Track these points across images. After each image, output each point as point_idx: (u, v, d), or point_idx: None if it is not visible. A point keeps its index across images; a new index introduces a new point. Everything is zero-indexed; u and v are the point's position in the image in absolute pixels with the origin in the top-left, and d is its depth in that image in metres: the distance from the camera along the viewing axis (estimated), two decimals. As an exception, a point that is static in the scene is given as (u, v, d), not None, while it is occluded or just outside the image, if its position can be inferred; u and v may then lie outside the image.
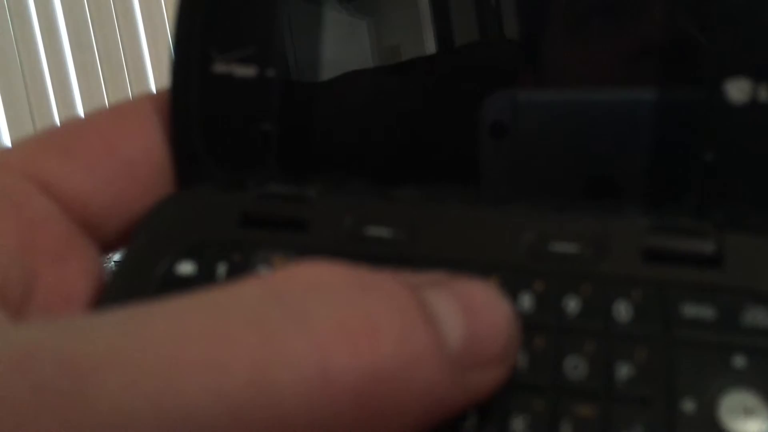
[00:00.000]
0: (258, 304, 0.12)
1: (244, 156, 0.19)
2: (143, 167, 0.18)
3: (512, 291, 0.16)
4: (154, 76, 1.96)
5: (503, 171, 0.20)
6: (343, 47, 0.20)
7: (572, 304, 0.16)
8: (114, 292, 0.17)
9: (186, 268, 0.17)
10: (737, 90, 0.17)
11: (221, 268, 0.17)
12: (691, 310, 0.15)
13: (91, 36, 2.03)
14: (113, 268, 0.17)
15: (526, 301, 0.16)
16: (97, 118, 0.19)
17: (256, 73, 0.19)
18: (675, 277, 0.16)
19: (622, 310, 0.15)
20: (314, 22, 0.20)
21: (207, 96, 0.19)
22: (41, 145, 0.18)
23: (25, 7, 1.96)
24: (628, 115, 0.18)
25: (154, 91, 0.20)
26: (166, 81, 0.20)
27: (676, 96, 0.18)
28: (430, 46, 0.21)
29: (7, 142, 1.99)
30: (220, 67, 0.19)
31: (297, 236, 0.17)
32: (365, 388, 0.12)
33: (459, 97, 0.20)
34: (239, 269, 0.17)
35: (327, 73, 0.20)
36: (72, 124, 0.18)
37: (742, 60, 0.17)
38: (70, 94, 2.05)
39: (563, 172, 0.19)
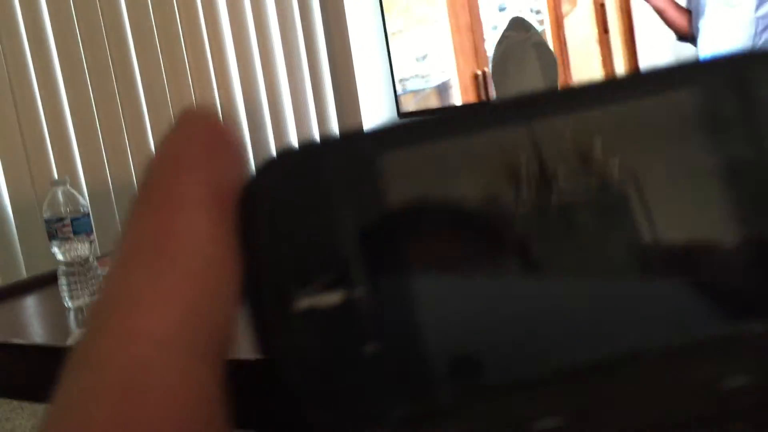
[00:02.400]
0: None
1: (353, 390, 0.17)
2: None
3: None
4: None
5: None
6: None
7: None
8: None
9: None
10: None
11: None
12: None
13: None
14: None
15: None
16: None
17: (343, 297, 0.17)
18: None
19: None
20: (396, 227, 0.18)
21: (294, 338, 0.17)
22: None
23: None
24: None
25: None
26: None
27: None
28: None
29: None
30: (302, 303, 0.17)
31: None
32: None
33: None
34: None
35: (424, 278, 0.17)
36: None
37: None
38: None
39: None
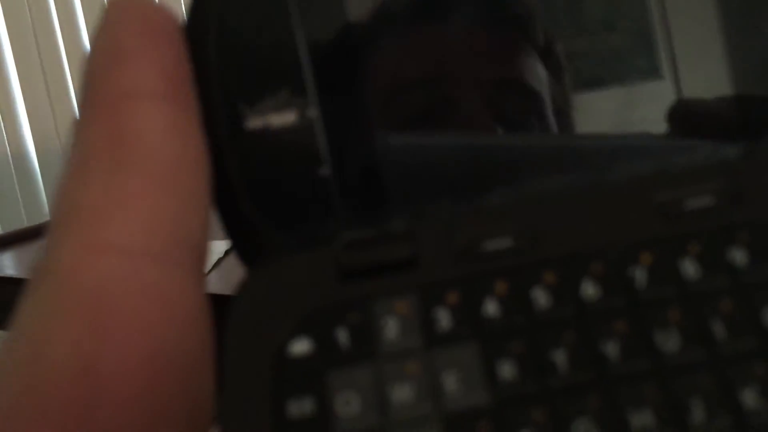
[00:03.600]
0: None
1: (307, 212, 0.17)
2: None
3: (671, 264, 0.15)
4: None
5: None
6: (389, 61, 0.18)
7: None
8: (231, 391, 0.15)
9: (301, 346, 0.15)
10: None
11: (342, 335, 0.15)
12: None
13: None
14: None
15: (689, 267, 0.15)
16: None
17: (295, 117, 0.17)
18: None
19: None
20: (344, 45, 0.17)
21: (247, 159, 0.17)
22: None
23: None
24: None
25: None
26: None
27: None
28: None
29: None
30: (254, 123, 0.17)
31: (409, 275, 0.15)
32: None
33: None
34: (363, 329, 0.15)
35: (376, 96, 0.17)
36: None
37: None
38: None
39: None
